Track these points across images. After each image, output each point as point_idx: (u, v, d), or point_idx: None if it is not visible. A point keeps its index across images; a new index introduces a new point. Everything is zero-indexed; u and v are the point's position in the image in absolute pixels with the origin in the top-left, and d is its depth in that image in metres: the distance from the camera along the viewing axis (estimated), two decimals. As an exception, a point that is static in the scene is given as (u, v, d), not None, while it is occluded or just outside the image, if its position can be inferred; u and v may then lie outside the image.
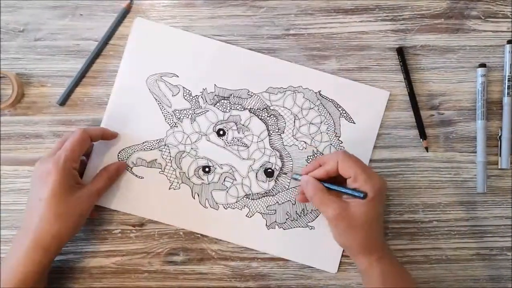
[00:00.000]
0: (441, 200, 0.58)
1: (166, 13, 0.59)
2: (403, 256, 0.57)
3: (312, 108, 0.58)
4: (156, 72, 0.57)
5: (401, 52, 0.58)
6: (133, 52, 0.58)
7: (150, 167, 0.57)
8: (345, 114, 0.58)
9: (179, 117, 0.57)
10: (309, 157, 0.57)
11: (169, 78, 0.58)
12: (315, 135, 0.58)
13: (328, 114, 0.58)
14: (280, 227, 0.57)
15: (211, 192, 0.57)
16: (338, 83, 0.58)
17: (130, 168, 0.57)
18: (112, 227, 0.57)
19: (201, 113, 0.57)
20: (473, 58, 0.58)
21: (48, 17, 0.58)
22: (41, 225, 0.48)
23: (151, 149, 0.57)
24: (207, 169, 0.57)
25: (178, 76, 0.58)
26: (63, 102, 0.58)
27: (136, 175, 0.57)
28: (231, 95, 0.58)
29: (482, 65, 0.58)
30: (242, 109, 0.58)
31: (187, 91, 0.58)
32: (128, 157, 0.57)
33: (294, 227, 0.57)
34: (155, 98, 0.57)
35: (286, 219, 0.57)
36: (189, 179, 0.57)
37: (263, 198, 0.57)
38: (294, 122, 0.58)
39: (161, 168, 0.57)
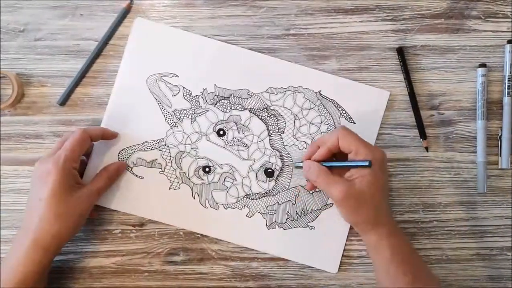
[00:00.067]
0: (441, 200, 0.58)
1: (166, 13, 0.59)
2: (403, 256, 0.57)
3: (312, 108, 0.58)
4: (156, 72, 0.57)
5: (401, 52, 0.58)
6: (133, 52, 0.58)
7: (150, 167, 0.57)
8: (345, 114, 0.58)
9: (179, 117, 0.57)
10: None
11: (169, 78, 0.58)
12: (315, 135, 0.58)
13: (328, 114, 0.58)
14: (280, 227, 0.57)
15: (211, 192, 0.57)
16: (338, 83, 0.58)
17: (130, 168, 0.57)
18: (112, 227, 0.57)
19: (201, 113, 0.57)
20: (473, 58, 0.58)
21: (48, 17, 0.58)
22: (41, 225, 0.48)
23: (151, 149, 0.57)
24: (207, 169, 0.57)
25: (178, 76, 0.58)
26: (63, 102, 0.58)
27: (136, 175, 0.57)
28: (231, 95, 0.58)
29: (482, 65, 0.58)
30: (242, 109, 0.58)
31: (187, 91, 0.58)
32: (128, 157, 0.57)
33: (294, 227, 0.57)
34: (155, 98, 0.57)
35: (287, 219, 0.57)
36: (189, 179, 0.57)
37: (263, 198, 0.57)
38: (294, 122, 0.58)
39: (161, 168, 0.57)
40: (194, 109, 0.57)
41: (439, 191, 0.58)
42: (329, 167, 0.52)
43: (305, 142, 0.57)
